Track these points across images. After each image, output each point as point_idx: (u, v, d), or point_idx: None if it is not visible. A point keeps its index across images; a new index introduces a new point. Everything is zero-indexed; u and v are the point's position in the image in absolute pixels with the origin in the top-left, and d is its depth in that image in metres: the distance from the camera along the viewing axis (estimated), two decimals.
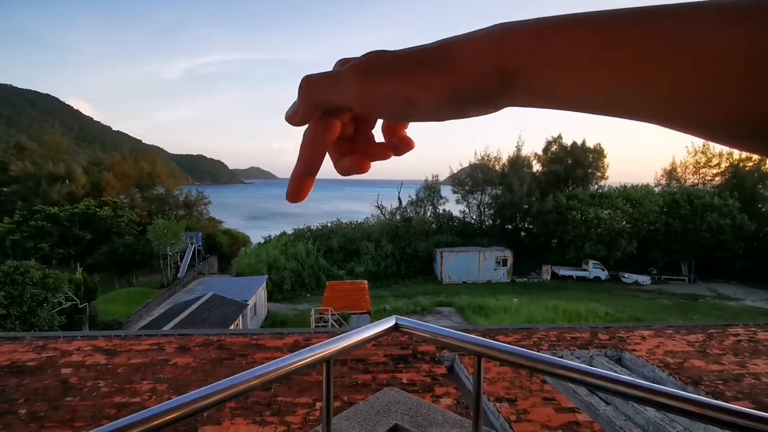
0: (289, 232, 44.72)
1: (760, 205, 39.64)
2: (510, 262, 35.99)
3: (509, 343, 5.96)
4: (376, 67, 0.33)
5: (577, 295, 29.63)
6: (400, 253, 38.69)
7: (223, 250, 43.01)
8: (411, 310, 26.25)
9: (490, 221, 44.05)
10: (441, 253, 35.81)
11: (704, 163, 45.87)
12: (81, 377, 5.56)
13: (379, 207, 45.58)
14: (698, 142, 53.97)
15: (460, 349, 1.47)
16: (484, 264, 35.76)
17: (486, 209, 44.24)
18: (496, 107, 0.32)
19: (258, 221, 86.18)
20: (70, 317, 22.12)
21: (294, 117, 0.37)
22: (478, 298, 27.94)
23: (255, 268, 32.96)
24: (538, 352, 5.70)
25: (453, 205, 45.59)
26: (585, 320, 22.55)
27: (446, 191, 46.06)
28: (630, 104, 0.26)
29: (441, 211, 44.84)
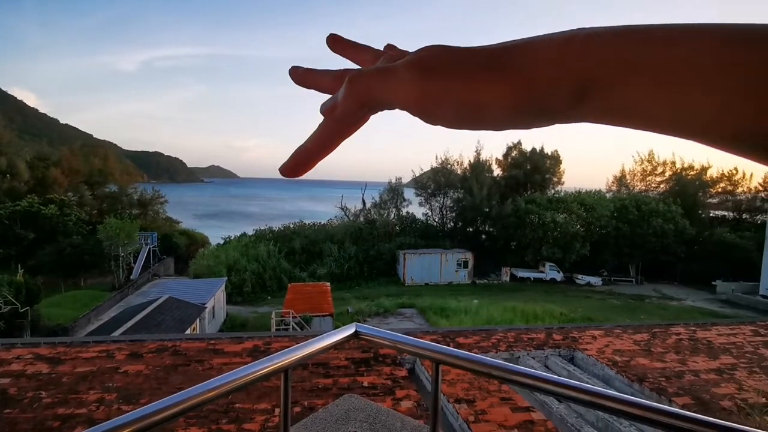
0: (250, 233, 43.74)
1: (700, 212, 42.52)
2: (471, 264, 36.76)
3: (469, 345, 6.10)
4: (440, 65, 0.29)
5: (535, 296, 30.64)
6: (364, 254, 38.68)
7: (180, 251, 41.45)
8: (374, 311, 26.28)
9: (452, 224, 44.84)
10: (404, 255, 36.09)
11: (650, 171, 48.69)
12: (21, 388, 5.21)
13: (342, 208, 45.43)
14: (645, 150, 57.07)
15: (419, 356, 1.49)
16: (445, 266, 36.34)
17: (448, 212, 45.01)
18: (563, 121, 0.29)
19: (217, 221, 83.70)
20: (9, 323, 20.64)
21: (332, 110, 0.34)
22: (439, 299, 28.34)
23: (214, 269, 31.98)
24: (497, 353, 5.87)
25: (416, 208, 46.09)
26: (541, 320, 23.33)
27: (409, 193, 46.50)
28: (726, 132, 0.24)
29: (404, 214, 45.22)
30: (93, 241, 33.63)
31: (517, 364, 5.03)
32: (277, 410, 4.57)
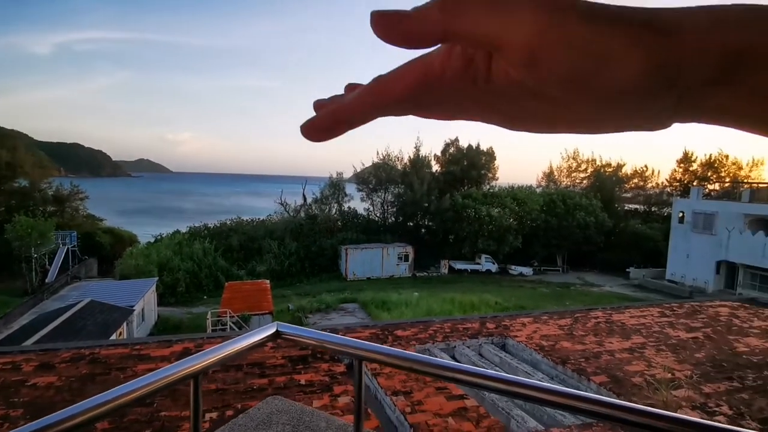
0: (184, 230, 41.46)
1: (616, 205, 46.45)
2: (411, 257, 37.49)
3: (407, 337, 6.18)
4: (572, 6, 0.23)
5: (472, 287, 31.88)
6: (305, 250, 38.11)
7: (104, 250, 38.35)
8: (315, 308, 26.02)
9: (393, 218, 45.39)
10: (346, 250, 36.02)
11: (575, 168, 52.30)
12: None
13: (282, 204, 44.33)
14: (571, 149, 61.30)
15: (342, 353, 1.47)
16: (387, 260, 36.76)
17: (389, 207, 45.48)
18: (681, 111, 0.24)
19: (147, 218, 78.19)
20: None
21: (403, 23, 0.24)
22: (381, 293, 28.63)
23: (143, 269, 29.94)
24: (434, 343, 6.00)
25: (358, 203, 46.10)
26: (478, 310, 24.32)
27: (351, 189, 46.39)
28: None
29: (346, 209, 45.07)
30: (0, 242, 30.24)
31: (453, 354, 5.16)
32: (208, 415, 4.37)
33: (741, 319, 8.75)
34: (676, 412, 4.91)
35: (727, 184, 42.50)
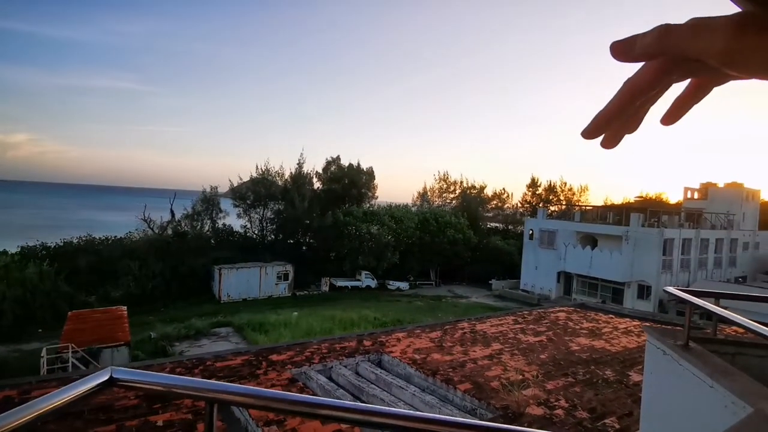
0: (13, 250, 34.38)
1: (480, 223, 51.69)
2: (291, 275, 36.57)
3: (282, 361, 5.94)
4: (758, 21, 0.32)
5: (352, 303, 32.23)
6: (172, 271, 34.54)
7: None
8: (183, 334, 23.70)
9: (273, 236, 43.88)
10: (220, 270, 33.66)
11: (445, 189, 56.98)
12: None
13: (146, 220, 39.67)
14: (442, 171, 66.60)
15: (193, 397, 1.34)
16: (265, 279, 35.29)
17: (268, 224, 43.91)
18: None
19: None
20: None
21: (632, 47, 0.36)
22: (258, 314, 27.30)
23: None
24: (310, 366, 5.86)
25: (234, 219, 43.54)
26: (358, 327, 24.63)
27: (226, 204, 43.67)
28: None
29: (221, 226, 42.23)
30: None
31: (330, 375, 5.09)
32: None
33: (574, 321, 10.30)
34: (525, 409, 5.54)
35: (563, 206, 50.38)
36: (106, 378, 1.28)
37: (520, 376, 6.64)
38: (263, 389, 1.25)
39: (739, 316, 2.40)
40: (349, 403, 1.18)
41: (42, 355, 16.75)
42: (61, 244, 35.76)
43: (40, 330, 25.52)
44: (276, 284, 35.78)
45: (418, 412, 1.16)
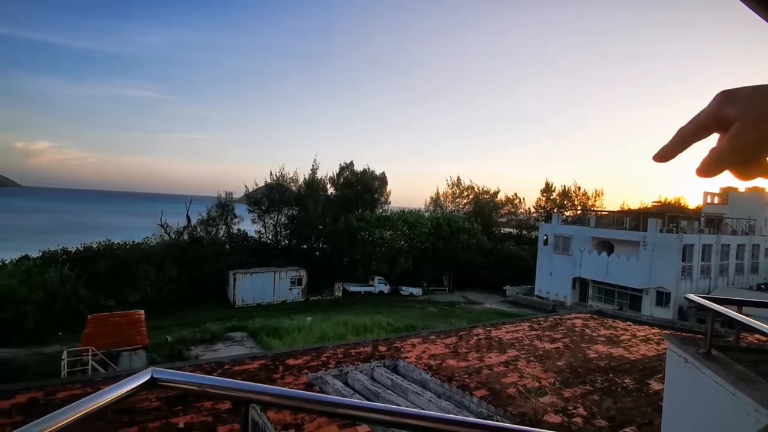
0: (35, 254, 35.25)
1: (494, 228, 51.30)
2: (305, 281, 36.78)
3: (299, 366, 6.01)
4: None
5: (365, 309, 32.23)
6: (188, 276, 35.05)
7: None
8: (198, 338, 23.97)
9: (287, 241, 44.22)
10: (234, 275, 34.02)
11: (458, 194, 56.76)
12: None
13: (162, 225, 40.36)
14: (455, 177, 66.56)
15: (227, 398, 1.40)
16: (279, 284, 35.54)
17: (282, 229, 44.27)
18: None
19: None
20: None
21: (691, 129, 0.49)
22: (272, 319, 27.48)
23: None
24: (326, 371, 5.92)
25: (248, 225, 44.01)
26: (371, 332, 24.62)
27: (241, 210, 44.19)
28: None
29: (235, 231, 42.73)
30: None
31: (346, 380, 5.16)
32: None
33: (591, 328, 10.18)
34: (543, 417, 5.50)
35: (579, 211, 49.74)
36: (147, 378, 1.35)
37: (537, 383, 6.59)
38: (295, 390, 1.30)
39: (762, 324, 2.38)
40: (380, 405, 1.23)
41: (62, 357, 17.10)
42: (82, 249, 36.55)
43: (60, 333, 26.05)
44: (290, 289, 36.00)
45: (442, 414, 1.20)
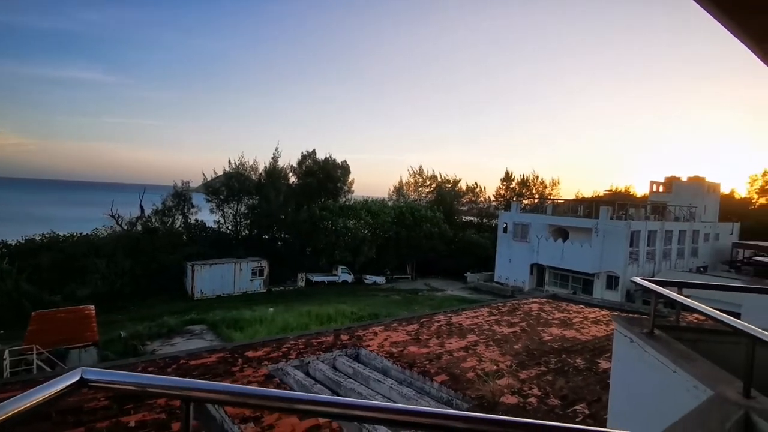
0: None
1: (455, 217, 52.23)
2: (266, 271, 36.16)
3: (259, 357, 5.88)
4: None
5: (328, 298, 32.13)
6: (142, 268, 33.64)
7: None
8: (155, 333, 23.16)
9: (247, 231, 43.22)
10: (192, 267, 32.96)
11: (420, 183, 57.26)
12: None
13: (113, 216, 38.38)
14: (416, 166, 66.97)
15: (168, 396, 1.32)
16: (240, 275, 34.78)
17: (242, 219, 43.20)
18: None
19: None
20: None
21: None
22: (233, 311, 26.91)
23: None
24: (287, 362, 5.82)
25: (207, 215, 42.63)
26: (335, 321, 24.57)
27: (199, 199, 42.70)
28: None
29: (193, 221, 41.29)
30: None
31: (308, 370, 5.08)
32: None
33: (546, 312, 10.58)
34: (500, 399, 5.67)
35: (536, 200, 51.43)
36: (76, 379, 1.25)
37: (495, 367, 6.78)
38: (239, 386, 1.24)
39: (700, 304, 2.51)
40: (325, 396, 1.19)
41: (4, 357, 16.07)
42: (23, 241, 34.27)
43: (1, 331, 24.44)
44: (251, 280, 35.32)
45: (394, 404, 1.18)
